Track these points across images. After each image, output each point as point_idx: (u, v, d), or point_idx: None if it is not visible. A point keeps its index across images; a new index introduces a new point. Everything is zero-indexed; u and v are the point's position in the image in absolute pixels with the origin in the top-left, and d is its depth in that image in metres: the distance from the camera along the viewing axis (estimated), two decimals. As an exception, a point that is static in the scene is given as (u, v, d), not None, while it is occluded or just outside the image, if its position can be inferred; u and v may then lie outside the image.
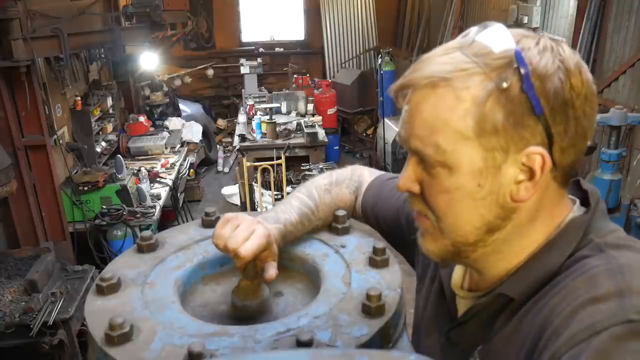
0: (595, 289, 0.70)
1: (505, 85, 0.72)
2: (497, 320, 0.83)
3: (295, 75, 8.56)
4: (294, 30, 10.79)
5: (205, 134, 8.04)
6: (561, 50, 0.75)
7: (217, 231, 0.94)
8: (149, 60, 6.58)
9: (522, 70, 0.72)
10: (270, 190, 6.00)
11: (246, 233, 0.93)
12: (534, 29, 5.60)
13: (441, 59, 0.77)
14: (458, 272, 0.95)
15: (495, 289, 0.83)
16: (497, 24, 0.77)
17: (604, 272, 0.71)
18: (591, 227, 0.80)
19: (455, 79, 0.74)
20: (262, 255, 0.95)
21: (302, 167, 6.17)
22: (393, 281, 0.93)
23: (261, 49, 10.41)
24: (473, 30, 0.78)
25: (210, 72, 9.22)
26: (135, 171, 5.48)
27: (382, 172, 1.28)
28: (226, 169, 8.53)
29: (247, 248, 0.91)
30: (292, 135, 6.41)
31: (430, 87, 0.76)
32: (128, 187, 4.91)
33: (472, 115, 0.73)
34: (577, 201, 0.86)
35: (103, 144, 5.94)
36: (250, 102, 7.52)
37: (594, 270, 0.73)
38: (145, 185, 5.28)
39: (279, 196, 5.93)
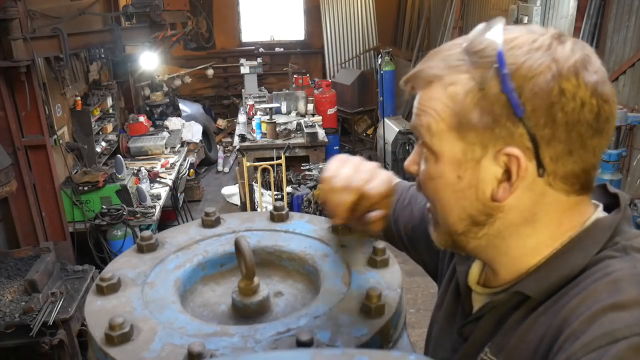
0: (618, 295, 0.67)
1: (484, 85, 0.73)
2: (511, 317, 0.82)
3: (295, 75, 8.56)
4: (294, 30, 10.79)
5: (205, 134, 8.04)
6: (560, 49, 0.72)
7: (336, 170, 0.89)
8: (149, 60, 6.57)
9: (502, 71, 0.71)
10: (270, 190, 5.99)
11: (368, 176, 0.88)
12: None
13: (442, 55, 0.81)
14: (475, 268, 0.94)
15: (513, 285, 0.82)
16: (499, 23, 0.78)
17: (629, 278, 0.69)
18: (619, 229, 0.77)
19: (446, 76, 0.78)
20: (380, 204, 0.90)
21: (302, 167, 6.17)
22: (393, 281, 0.93)
23: (261, 49, 10.42)
24: (479, 27, 0.81)
25: (210, 72, 9.23)
26: (135, 171, 5.48)
27: (402, 180, 1.26)
28: (226, 169, 8.54)
29: (374, 187, 0.86)
30: (292, 135, 6.40)
31: (427, 83, 0.81)
32: (128, 187, 4.91)
33: (452, 109, 0.77)
34: (601, 205, 0.83)
35: (103, 144, 5.94)
36: (250, 102, 7.52)
37: (617, 273, 0.70)
38: (145, 185, 5.28)
39: (279, 196, 5.93)
